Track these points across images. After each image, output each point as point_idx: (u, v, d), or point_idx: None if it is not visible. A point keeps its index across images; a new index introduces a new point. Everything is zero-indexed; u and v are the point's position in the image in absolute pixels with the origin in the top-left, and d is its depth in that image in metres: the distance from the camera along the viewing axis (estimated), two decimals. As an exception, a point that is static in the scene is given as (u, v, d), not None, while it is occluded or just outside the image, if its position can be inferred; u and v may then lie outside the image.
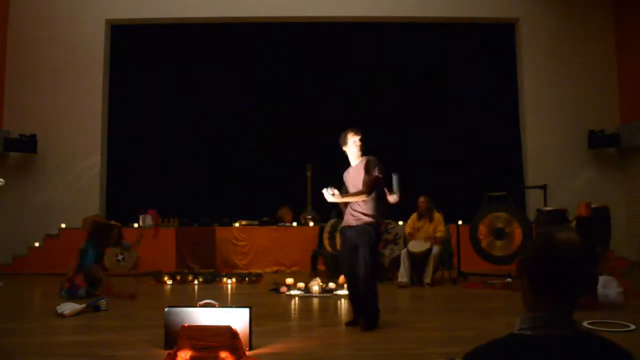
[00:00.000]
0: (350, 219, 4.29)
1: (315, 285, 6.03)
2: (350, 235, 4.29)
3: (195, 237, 8.58)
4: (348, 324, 4.36)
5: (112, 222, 6.81)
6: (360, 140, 4.37)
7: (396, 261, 7.10)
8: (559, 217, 5.97)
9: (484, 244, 6.87)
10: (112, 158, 9.72)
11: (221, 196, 9.26)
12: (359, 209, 4.26)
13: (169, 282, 7.08)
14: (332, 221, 7.76)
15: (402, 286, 6.50)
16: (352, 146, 4.39)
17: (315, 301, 5.65)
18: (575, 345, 1.12)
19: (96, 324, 4.54)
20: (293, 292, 6.09)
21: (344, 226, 4.38)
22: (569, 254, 1.17)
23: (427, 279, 6.59)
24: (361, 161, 4.37)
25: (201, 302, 3.83)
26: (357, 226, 4.24)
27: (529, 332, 1.15)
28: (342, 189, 4.39)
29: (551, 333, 1.13)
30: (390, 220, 7.90)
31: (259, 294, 6.18)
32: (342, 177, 4.54)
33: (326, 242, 7.15)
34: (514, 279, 6.35)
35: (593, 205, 6.27)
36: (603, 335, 1.18)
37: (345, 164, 4.53)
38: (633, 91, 9.24)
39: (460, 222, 7.91)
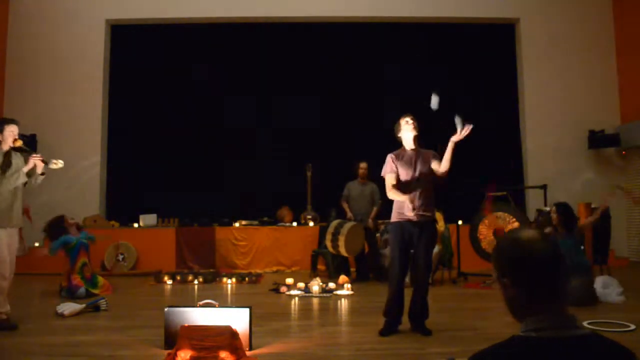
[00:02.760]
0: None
1: (315, 285, 6.03)
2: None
3: (195, 237, 8.57)
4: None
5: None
6: (412, 119, 4.22)
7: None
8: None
9: (484, 244, 6.87)
10: (112, 158, 9.72)
11: (221, 196, 9.25)
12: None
13: (169, 282, 7.08)
14: (335, 222, 7.58)
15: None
16: (404, 127, 4.24)
17: (315, 301, 5.65)
18: (580, 347, 1.12)
19: (96, 324, 4.55)
20: (293, 292, 6.09)
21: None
22: (545, 252, 1.18)
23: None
24: (422, 151, 4.24)
25: (201, 302, 3.84)
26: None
27: (533, 334, 1.14)
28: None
29: (556, 335, 1.13)
30: (388, 220, 7.81)
31: (259, 294, 6.17)
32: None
33: (328, 243, 7.01)
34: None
35: (593, 206, 6.29)
36: (605, 335, 1.18)
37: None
38: (633, 91, 9.23)
39: (460, 222, 7.91)
